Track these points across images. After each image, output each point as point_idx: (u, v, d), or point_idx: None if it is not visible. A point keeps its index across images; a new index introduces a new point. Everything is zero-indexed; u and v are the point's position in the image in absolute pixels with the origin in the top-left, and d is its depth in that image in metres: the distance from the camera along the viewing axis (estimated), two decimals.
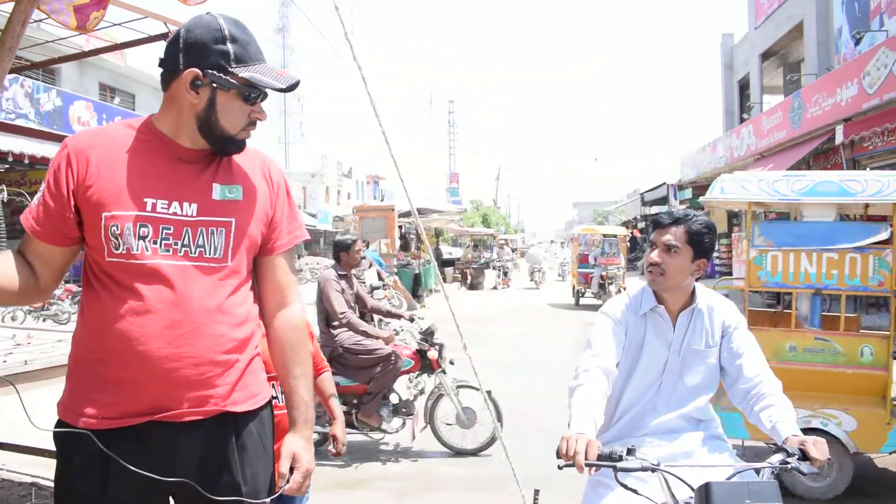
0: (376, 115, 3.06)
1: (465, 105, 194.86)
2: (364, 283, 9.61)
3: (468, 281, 25.47)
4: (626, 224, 46.40)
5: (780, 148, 18.05)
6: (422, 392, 6.14)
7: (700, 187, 27.47)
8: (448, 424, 5.98)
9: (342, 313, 5.65)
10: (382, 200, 42.78)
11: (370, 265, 21.68)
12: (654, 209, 36.12)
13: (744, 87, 28.05)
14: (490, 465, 5.59)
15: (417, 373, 6.04)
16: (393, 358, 5.79)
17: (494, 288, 25.42)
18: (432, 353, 5.87)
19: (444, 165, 69.31)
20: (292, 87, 1.90)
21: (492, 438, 5.68)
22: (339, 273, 5.98)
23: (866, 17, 17.50)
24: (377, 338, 5.80)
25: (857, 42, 17.03)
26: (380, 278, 8.76)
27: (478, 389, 5.22)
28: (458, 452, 5.93)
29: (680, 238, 2.43)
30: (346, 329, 5.73)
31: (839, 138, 14.34)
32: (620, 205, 51.35)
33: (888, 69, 12.45)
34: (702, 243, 2.46)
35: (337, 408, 3.08)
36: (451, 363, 6.03)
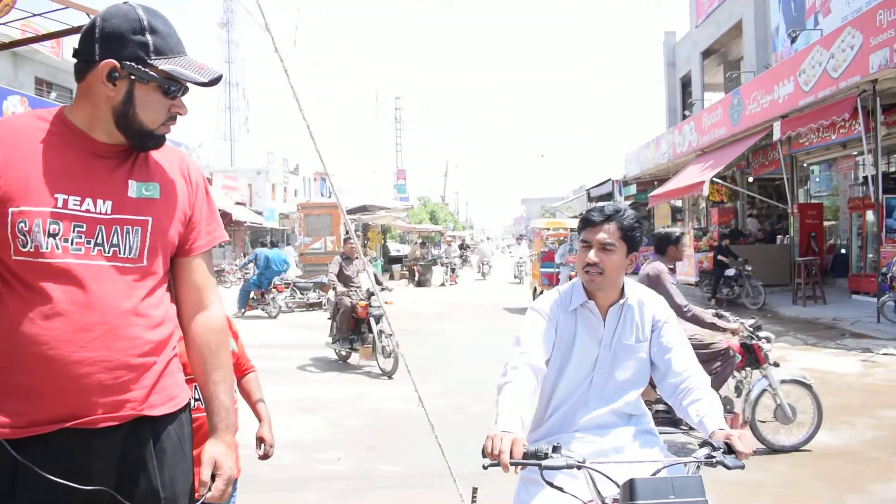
0: (300, 108, 2.98)
1: (414, 102, 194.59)
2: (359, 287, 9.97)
3: (416, 278, 25.42)
4: (574, 219, 46.85)
5: (720, 144, 18.39)
6: (737, 390, 5.86)
7: (644, 183, 27.92)
8: (762, 422, 5.63)
9: (685, 307, 5.38)
10: (330, 197, 42.46)
11: (364, 267, 21.47)
12: (601, 205, 36.55)
13: (686, 84, 28.56)
14: (429, 462, 5.52)
15: (743, 368, 5.79)
16: (731, 353, 5.58)
17: (442, 285, 25.41)
18: (766, 346, 5.59)
19: (393, 162, 68.95)
20: (214, 82, 1.81)
21: (812, 434, 5.54)
22: (669, 267, 5.74)
23: (802, 15, 17.93)
24: (724, 330, 5.55)
25: (793, 40, 17.46)
26: (377, 282, 8.69)
27: (803, 384, 5.54)
28: (776, 450, 5.56)
29: (614, 235, 2.41)
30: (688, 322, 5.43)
31: (777, 135, 14.65)
32: (567, 200, 51.84)
33: (822, 67, 12.74)
34: (634, 238, 2.45)
35: (264, 410, 2.96)
36: (776, 365, 5.72)
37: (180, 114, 1.85)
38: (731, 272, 15.36)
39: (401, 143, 68.21)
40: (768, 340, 5.64)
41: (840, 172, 17.59)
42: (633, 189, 28.92)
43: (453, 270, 26.51)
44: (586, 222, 2.49)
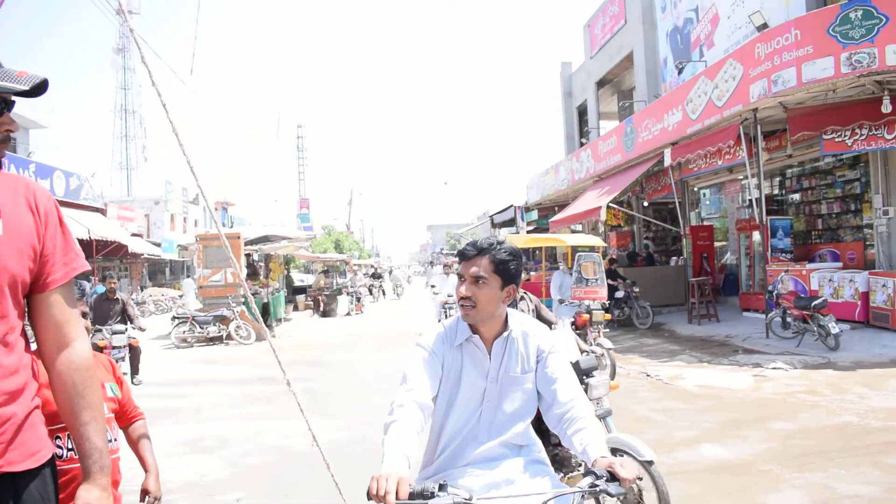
0: (176, 135, 2.87)
1: (316, 130, 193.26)
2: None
3: (320, 308, 25.04)
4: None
5: (616, 170, 19.00)
6: None
7: (545, 208, 28.55)
8: None
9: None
10: (232, 227, 41.39)
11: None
12: (504, 231, 37.14)
13: (582, 112, 29.46)
14: (333, 498, 5.38)
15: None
16: None
17: (348, 314, 25.10)
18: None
19: (296, 191, 68.12)
20: (39, 89, 1.69)
21: None
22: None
23: (688, 48, 18.83)
24: None
25: (680, 71, 18.27)
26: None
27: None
28: None
29: (486, 268, 2.44)
30: None
31: (667, 161, 15.27)
32: (472, 227, 52.46)
33: (708, 96, 13.38)
34: (508, 271, 2.47)
35: (151, 460, 2.81)
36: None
37: (11, 131, 1.73)
38: (620, 294, 15.83)
39: (304, 172, 67.56)
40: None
41: (728, 196, 18.48)
42: (534, 214, 29.53)
43: (359, 299, 26.24)
44: (462, 256, 2.52)
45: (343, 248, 58.50)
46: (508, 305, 2.56)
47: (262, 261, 21.37)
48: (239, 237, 17.65)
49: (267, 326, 17.61)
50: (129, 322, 10.63)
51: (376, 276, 31.71)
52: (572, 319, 9.63)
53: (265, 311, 17.86)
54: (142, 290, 33.70)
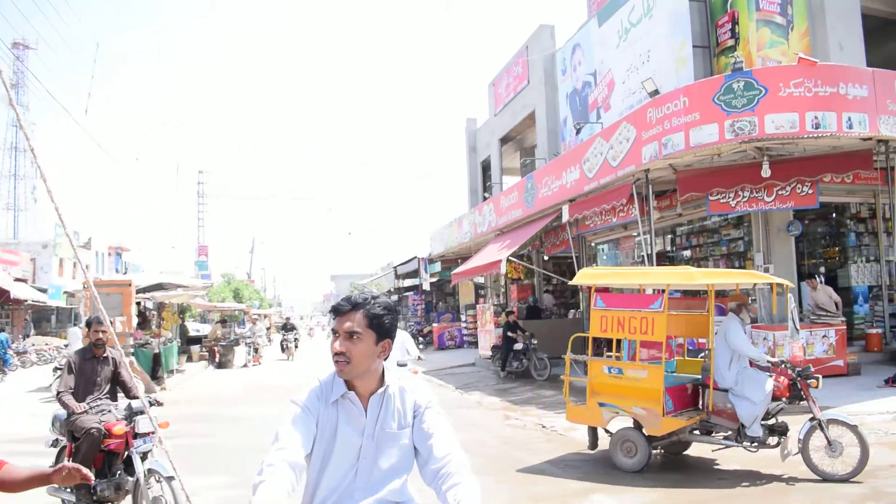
0: (44, 179, 2.78)
1: (218, 176, 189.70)
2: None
3: (216, 359, 24.23)
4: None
5: (517, 225, 19.42)
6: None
7: (449, 261, 28.81)
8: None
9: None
10: (126, 273, 39.85)
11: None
12: (407, 282, 37.25)
13: (486, 167, 30.11)
14: None
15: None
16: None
17: (244, 366, 24.38)
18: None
19: (194, 238, 66.28)
20: None
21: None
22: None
23: (586, 109, 19.63)
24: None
25: (578, 132, 18.99)
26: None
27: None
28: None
29: (360, 323, 2.42)
30: None
31: (565, 217, 15.74)
32: (376, 277, 52.40)
33: (603, 156, 13.93)
34: (382, 325, 2.46)
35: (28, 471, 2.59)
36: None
37: None
38: (519, 346, 16.10)
39: (203, 218, 65.88)
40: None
41: (623, 251, 19.13)
42: (437, 266, 29.77)
43: (256, 350, 25.56)
44: (336, 311, 2.49)
45: (242, 297, 57.16)
46: None
47: (156, 309, 20.61)
48: (130, 284, 16.99)
49: (157, 378, 16.89)
50: (126, 394, 6.62)
51: (288, 328, 30.08)
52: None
53: (156, 362, 17.14)
54: (24, 338, 31.80)
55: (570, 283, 10.49)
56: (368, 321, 2.42)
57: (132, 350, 15.92)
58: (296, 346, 28.23)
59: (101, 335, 6.44)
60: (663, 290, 7.85)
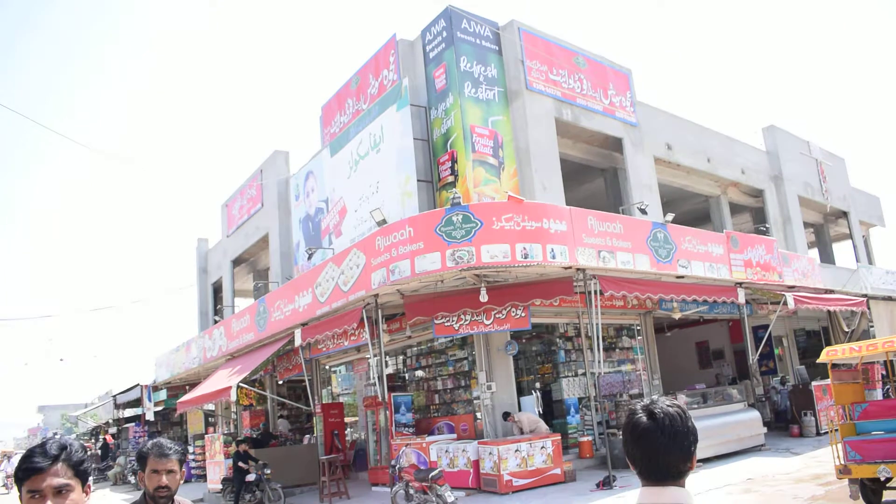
0: None
1: None
2: None
3: None
4: (96, 430, 42.89)
5: (249, 349, 18.98)
6: None
7: (175, 387, 27.12)
8: None
9: None
10: None
11: None
12: (129, 412, 34.26)
13: (218, 289, 29.26)
14: None
15: None
16: None
17: None
18: None
19: None
20: None
21: None
22: None
23: (318, 235, 20.06)
24: None
25: (310, 256, 19.29)
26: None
27: None
28: None
29: (68, 474, 2.22)
30: None
31: (298, 341, 15.71)
32: (92, 408, 47.56)
33: (335, 281, 14.27)
34: (87, 470, 2.31)
35: None
36: None
37: None
38: (251, 477, 15.40)
39: None
40: None
41: (357, 373, 19.37)
42: (163, 394, 27.87)
43: None
44: (29, 471, 2.19)
45: None
46: None
47: None
48: None
49: None
50: None
51: None
52: None
53: None
54: None
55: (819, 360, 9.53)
56: (75, 469, 2.23)
57: None
58: None
59: None
60: None
